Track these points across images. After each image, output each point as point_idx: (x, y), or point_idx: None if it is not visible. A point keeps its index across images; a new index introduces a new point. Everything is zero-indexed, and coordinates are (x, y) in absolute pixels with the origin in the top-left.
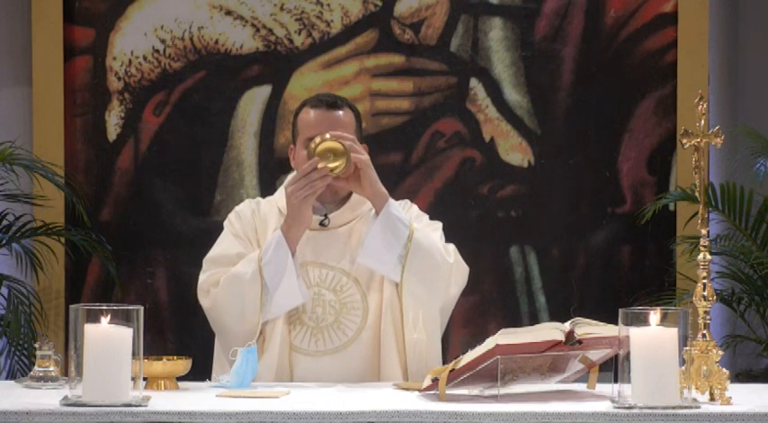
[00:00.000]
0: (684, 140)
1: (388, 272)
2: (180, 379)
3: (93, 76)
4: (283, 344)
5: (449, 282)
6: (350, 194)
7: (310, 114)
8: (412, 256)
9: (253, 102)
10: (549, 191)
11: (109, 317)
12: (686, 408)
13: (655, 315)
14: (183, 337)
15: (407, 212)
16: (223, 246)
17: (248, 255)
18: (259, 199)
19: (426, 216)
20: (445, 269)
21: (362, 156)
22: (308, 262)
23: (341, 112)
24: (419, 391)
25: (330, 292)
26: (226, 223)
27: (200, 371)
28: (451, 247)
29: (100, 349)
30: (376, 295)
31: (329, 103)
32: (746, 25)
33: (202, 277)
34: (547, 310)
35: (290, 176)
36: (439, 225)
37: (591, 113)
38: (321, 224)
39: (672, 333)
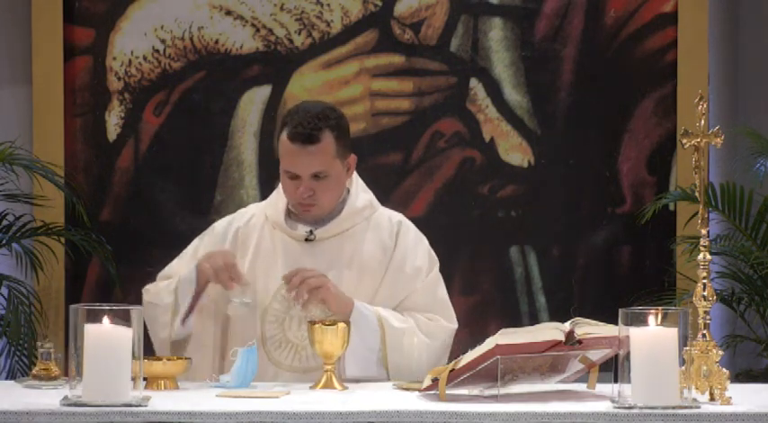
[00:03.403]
0: (684, 140)
1: (376, 375)
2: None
3: (93, 76)
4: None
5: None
6: (340, 210)
7: (289, 146)
8: (391, 358)
9: (253, 102)
10: (549, 191)
11: (109, 317)
12: (686, 408)
13: (655, 315)
14: None
15: (404, 238)
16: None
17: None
18: (252, 209)
19: (425, 244)
20: (425, 353)
21: (304, 296)
22: None
23: (318, 146)
24: (419, 391)
25: (318, 309)
26: (196, 239)
27: None
28: (442, 325)
29: (100, 349)
30: None
31: (305, 137)
32: (746, 25)
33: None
34: (547, 310)
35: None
36: (436, 269)
37: (591, 113)
38: (306, 240)
39: (672, 333)
